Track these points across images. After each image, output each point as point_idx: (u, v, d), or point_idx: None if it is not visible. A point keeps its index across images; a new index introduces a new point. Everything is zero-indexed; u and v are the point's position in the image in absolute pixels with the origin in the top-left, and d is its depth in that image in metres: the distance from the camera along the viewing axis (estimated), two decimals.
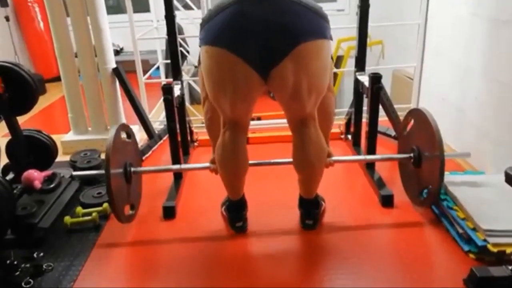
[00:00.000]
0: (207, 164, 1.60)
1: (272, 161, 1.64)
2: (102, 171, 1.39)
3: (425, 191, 1.53)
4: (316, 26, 1.16)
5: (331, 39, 1.24)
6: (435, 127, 1.41)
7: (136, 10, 2.48)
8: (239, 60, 1.15)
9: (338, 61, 4.31)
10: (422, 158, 1.51)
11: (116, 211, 1.43)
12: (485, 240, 1.29)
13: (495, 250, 1.27)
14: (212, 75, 1.23)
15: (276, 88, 1.24)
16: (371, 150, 1.86)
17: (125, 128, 1.59)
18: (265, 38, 1.13)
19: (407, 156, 1.57)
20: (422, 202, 1.55)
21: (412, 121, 1.59)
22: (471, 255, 1.32)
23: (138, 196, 1.69)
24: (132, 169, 1.54)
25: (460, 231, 1.38)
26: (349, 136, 2.23)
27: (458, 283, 1.22)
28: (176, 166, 1.81)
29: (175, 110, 1.81)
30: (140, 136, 2.42)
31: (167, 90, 1.75)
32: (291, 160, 1.40)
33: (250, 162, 1.44)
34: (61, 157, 2.05)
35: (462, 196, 1.47)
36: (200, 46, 1.24)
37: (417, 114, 1.54)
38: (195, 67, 3.83)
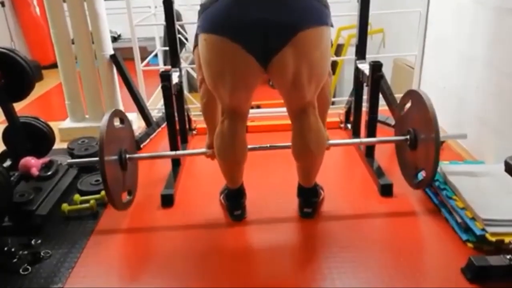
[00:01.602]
0: (204, 150, 1.58)
1: (270, 145, 1.61)
2: (97, 159, 1.37)
3: (420, 173, 1.53)
4: (316, 13, 1.14)
5: (332, 26, 1.22)
6: (431, 109, 1.39)
7: None
8: (239, 48, 1.13)
9: (339, 49, 4.27)
10: (418, 141, 1.49)
11: (112, 200, 1.41)
12: (483, 230, 1.29)
13: (493, 239, 1.27)
14: (211, 64, 1.21)
15: (276, 76, 1.22)
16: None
17: (119, 114, 1.55)
18: (265, 26, 1.11)
19: (403, 138, 1.55)
20: (417, 185, 1.56)
21: (410, 103, 1.57)
22: (469, 244, 1.32)
23: (135, 181, 1.68)
24: (128, 155, 1.52)
25: (459, 220, 1.38)
26: (349, 125, 2.22)
27: (456, 272, 1.23)
28: (172, 152, 1.79)
29: (173, 97, 1.79)
30: (138, 123, 2.40)
31: (165, 77, 1.73)
32: (289, 144, 1.39)
33: (249, 146, 1.42)
34: (58, 145, 2.04)
35: (461, 186, 1.46)
36: (198, 33, 1.22)
37: (414, 96, 1.52)
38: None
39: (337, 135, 2.23)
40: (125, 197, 1.56)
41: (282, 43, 1.13)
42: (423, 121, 1.45)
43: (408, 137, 1.53)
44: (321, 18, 1.15)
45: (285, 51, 1.13)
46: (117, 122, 1.55)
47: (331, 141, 1.55)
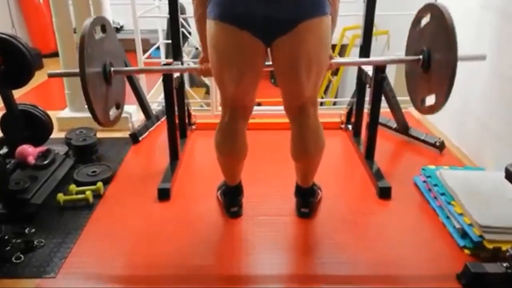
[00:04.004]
0: (197, 66, 1.48)
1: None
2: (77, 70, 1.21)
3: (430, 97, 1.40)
4: (317, 4, 1.17)
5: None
6: (451, 25, 1.23)
7: None
8: (245, 32, 1.17)
9: (343, 50, 4.25)
10: (432, 62, 1.36)
11: (96, 117, 1.29)
12: (481, 236, 1.28)
13: (490, 246, 1.26)
14: (219, 47, 1.23)
15: (277, 58, 1.23)
16: (372, 141, 1.84)
17: (102, 21, 1.36)
18: (266, 22, 1.15)
19: (416, 58, 1.41)
20: (426, 110, 1.44)
21: (426, 18, 1.40)
22: (466, 251, 1.32)
23: (122, 95, 1.54)
24: (113, 69, 1.37)
25: (457, 226, 1.37)
26: (350, 126, 2.20)
27: (452, 277, 1.22)
28: (163, 67, 1.69)
29: (174, 91, 1.78)
30: (138, 116, 2.39)
31: None
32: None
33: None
34: (56, 134, 2.03)
35: (460, 191, 1.46)
36: (208, 19, 1.23)
37: (433, 11, 1.35)
38: (196, 48, 3.77)
39: (338, 135, 2.22)
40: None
41: (284, 31, 1.17)
42: (439, 40, 1.31)
43: (421, 57, 1.39)
44: (321, 8, 1.18)
45: (285, 38, 1.18)
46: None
47: (336, 60, 1.47)
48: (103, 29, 1.37)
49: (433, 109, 1.37)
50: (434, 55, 1.35)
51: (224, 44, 1.22)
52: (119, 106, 1.46)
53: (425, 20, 1.41)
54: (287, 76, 1.26)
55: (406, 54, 1.52)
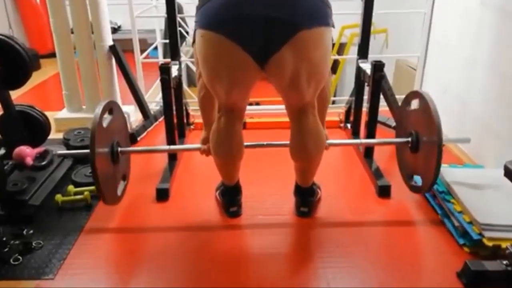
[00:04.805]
0: (198, 145, 1.54)
1: (267, 143, 1.56)
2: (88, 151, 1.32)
3: (418, 178, 1.51)
4: (319, 13, 1.11)
5: (333, 26, 1.19)
6: (436, 117, 1.35)
7: None
8: (236, 46, 1.10)
9: (341, 48, 4.25)
10: (420, 145, 1.46)
11: (104, 197, 1.37)
12: (480, 234, 1.28)
13: (490, 244, 1.26)
14: (208, 60, 1.19)
15: (274, 77, 1.20)
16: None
17: (110, 105, 1.46)
18: (264, 24, 1.08)
19: (405, 141, 1.51)
20: (414, 189, 1.54)
21: (414, 104, 1.52)
22: (466, 249, 1.31)
23: (128, 168, 1.64)
24: (120, 149, 1.47)
25: (456, 224, 1.37)
26: (349, 125, 2.20)
27: (452, 276, 1.21)
28: (166, 147, 1.76)
29: (172, 91, 1.77)
30: (136, 116, 2.38)
31: (164, 70, 1.71)
32: (287, 142, 1.37)
33: (246, 144, 1.40)
34: (54, 135, 2.02)
35: (460, 189, 1.45)
36: (195, 29, 1.19)
37: (419, 98, 1.47)
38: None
39: (336, 134, 2.21)
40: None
41: (281, 42, 1.09)
42: (426, 126, 1.42)
43: (409, 139, 1.49)
44: (323, 18, 1.12)
45: (283, 51, 1.10)
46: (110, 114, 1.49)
47: (330, 141, 1.51)
48: (111, 111, 1.46)
49: (420, 190, 1.51)
50: (422, 139, 1.45)
51: (212, 57, 1.16)
52: (125, 178, 1.55)
53: (414, 104, 1.51)
54: (286, 89, 1.23)
55: (397, 132, 1.63)
